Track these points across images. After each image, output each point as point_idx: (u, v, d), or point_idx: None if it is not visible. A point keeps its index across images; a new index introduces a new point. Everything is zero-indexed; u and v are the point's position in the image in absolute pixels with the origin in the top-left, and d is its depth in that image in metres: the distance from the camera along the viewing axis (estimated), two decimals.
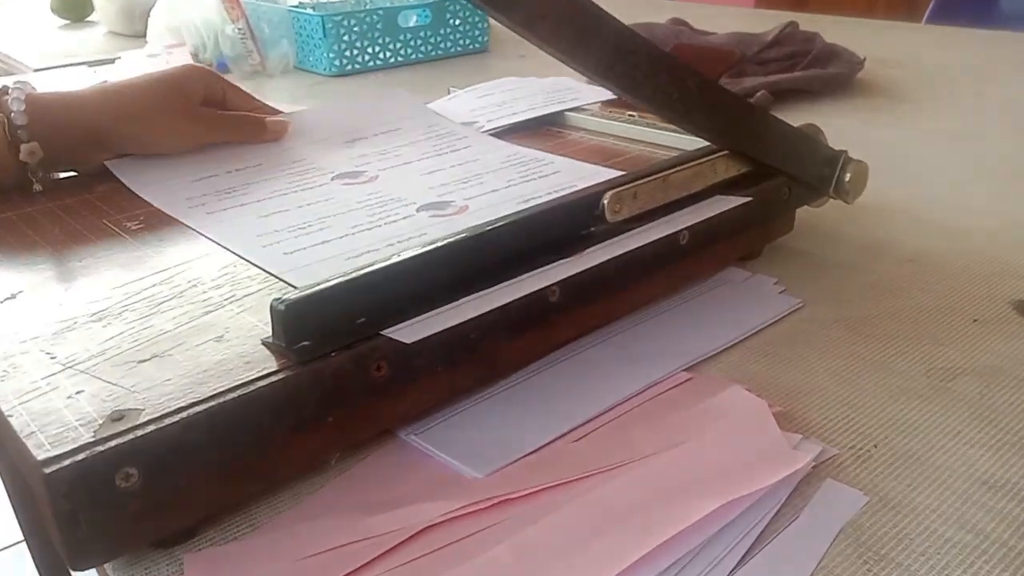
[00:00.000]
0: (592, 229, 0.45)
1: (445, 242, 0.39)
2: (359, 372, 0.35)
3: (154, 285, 0.41)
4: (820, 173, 0.53)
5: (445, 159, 0.60)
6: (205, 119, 0.61)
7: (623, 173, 0.50)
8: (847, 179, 0.54)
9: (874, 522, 0.32)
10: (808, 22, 1.04)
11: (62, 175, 0.59)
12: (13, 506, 0.31)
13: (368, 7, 1.15)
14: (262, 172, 0.58)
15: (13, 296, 0.41)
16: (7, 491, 0.33)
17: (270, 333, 0.35)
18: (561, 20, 0.38)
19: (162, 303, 0.40)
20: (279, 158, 0.60)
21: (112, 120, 0.57)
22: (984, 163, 0.73)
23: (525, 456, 0.36)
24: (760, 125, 0.49)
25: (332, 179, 0.56)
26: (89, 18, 1.58)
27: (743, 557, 0.31)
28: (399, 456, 0.37)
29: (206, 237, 0.48)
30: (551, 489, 0.33)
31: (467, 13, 1.19)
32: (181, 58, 1.07)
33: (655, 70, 0.42)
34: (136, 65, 1.06)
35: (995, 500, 0.33)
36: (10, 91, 0.55)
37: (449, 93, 0.78)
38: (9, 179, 0.55)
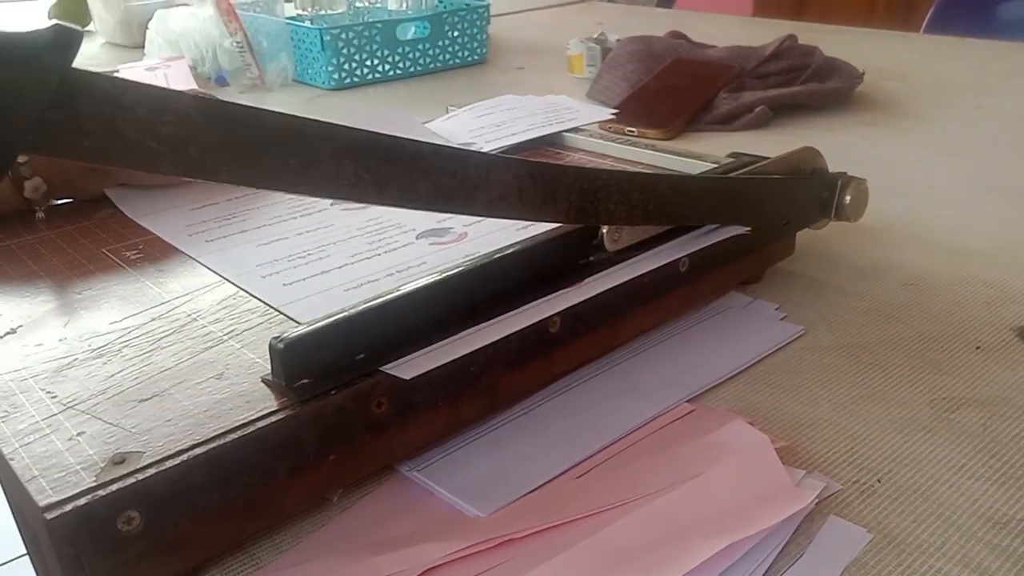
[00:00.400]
0: (591, 258, 0.45)
1: (444, 275, 0.39)
2: (359, 409, 0.35)
3: (154, 319, 0.41)
4: (819, 198, 0.53)
5: None
6: None
7: None
8: (847, 201, 0.54)
9: (878, 561, 0.32)
10: (807, 32, 1.04)
11: (61, 200, 0.59)
12: (24, 541, 0.32)
13: (367, 19, 1.15)
14: (262, 198, 0.57)
15: (13, 331, 0.41)
16: (19, 528, 0.33)
17: (269, 370, 0.35)
18: (523, 194, 0.37)
19: (162, 338, 0.40)
20: None
21: None
22: (984, 181, 0.73)
23: (528, 493, 0.36)
24: (744, 193, 0.49)
25: (332, 204, 0.56)
26: (87, 28, 1.57)
27: None
28: (401, 492, 0.37)
29: (206, 267, 0.47)
30: (555, 528, 0.33)
31: (465, 25, 1.19)
32: (180, 71, 1.07)
33: (626, 194, 0.42)
34: (135, 77, 1.06)
35: (999, 537, 0.33)
36: None
37: (447, 111, 0.78)
38: (10, 210, 0.55)
